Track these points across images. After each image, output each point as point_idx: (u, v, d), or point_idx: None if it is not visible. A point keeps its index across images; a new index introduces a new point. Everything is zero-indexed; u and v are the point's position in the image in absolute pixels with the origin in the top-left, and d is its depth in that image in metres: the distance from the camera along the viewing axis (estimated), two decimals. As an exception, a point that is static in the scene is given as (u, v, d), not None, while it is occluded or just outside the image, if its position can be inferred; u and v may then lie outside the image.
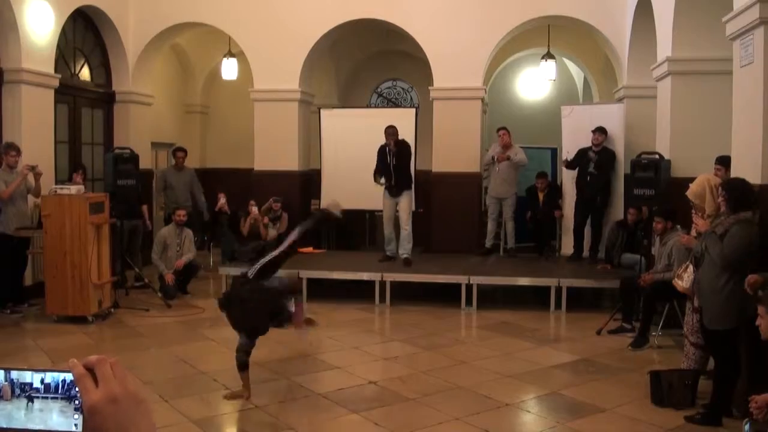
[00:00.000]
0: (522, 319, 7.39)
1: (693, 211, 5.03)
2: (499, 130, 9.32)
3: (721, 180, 5.10)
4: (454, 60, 9.54)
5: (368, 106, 13.08)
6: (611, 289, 7.65)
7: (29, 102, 7.88)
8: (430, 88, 9.85)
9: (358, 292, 8.17)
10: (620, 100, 9.43)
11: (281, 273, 5.31)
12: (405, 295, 8.16)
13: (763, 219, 4.34)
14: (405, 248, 8.57)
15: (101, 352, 0.87)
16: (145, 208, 9.48)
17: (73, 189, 7.04)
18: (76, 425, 0.83)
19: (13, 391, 0.84)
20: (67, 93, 8.98)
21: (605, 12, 9.21)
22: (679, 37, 6.98)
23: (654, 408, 4.71)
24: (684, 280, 5.07)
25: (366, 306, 7.89)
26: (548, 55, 10.89)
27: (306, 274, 7.96)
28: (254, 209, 9.52)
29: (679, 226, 6.19)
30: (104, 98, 9.93)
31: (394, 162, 8.38)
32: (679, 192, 5.64)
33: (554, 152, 11.21)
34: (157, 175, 10.20)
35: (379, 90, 13.90)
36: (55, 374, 0.85)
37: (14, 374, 0.85)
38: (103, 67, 9.94)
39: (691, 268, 4.94)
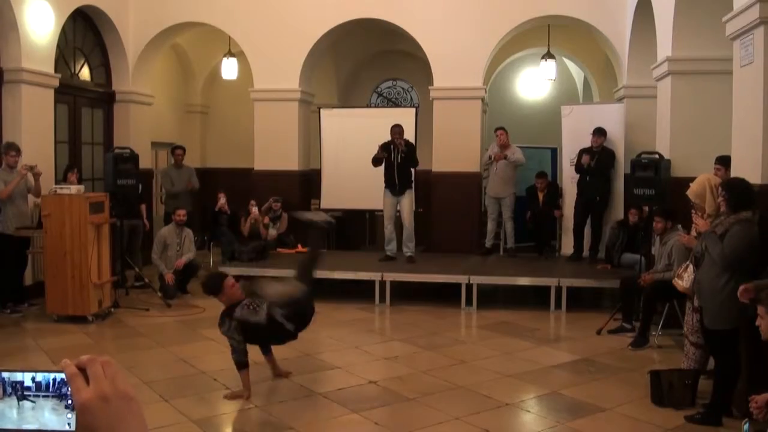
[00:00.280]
0: (522, 318, 7.39)
1: (693, 210, 5.03)
2: (496, 129, 9.35)
3: (721, 180, 5.10)
4: (454, 60, 9.54)
5: (368, 106, 13.08)
6: (611, 288, 7.65)
7: (29, 102, 7.88)
8: (430, 87, 9.85)
9: (358, 292, 8.17)
10: (620, 99, 9.42)
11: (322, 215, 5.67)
12: (405, 294, 8.17)
13: (763, 219, 4.34)
14: (408, 246, 8.69)
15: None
16: (143, 207, 9.49)
17: (73, 189, 7.05)
18: (69, 424, 0.84)
19: (4, 390, 0.85)
20: (67, 93, 8.97)
21: (605, 12, 9.21)
22: (679, 36, 6.97)
23: (654, 408, 4.70)
24: (684, 280, 5.07)
25: (366, 306, 7.89)
26: (548, 55, 10.88)
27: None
28: (254, 209, 9.53)
29: (679, 226, 6.18)
30: (104, 98, 9.93)
31: (398, 161, 8.40)
32: (679, 192, 5.65)
33: (554, 152, 11.19)
34: (161, 174, 10.20)
35: (379, 90, 13.90)
36: (47, 373, 0.85)
37: (5, 374, 0.85)
38: (103, 66, 9.94)
39: (691, 267, 4.94)
